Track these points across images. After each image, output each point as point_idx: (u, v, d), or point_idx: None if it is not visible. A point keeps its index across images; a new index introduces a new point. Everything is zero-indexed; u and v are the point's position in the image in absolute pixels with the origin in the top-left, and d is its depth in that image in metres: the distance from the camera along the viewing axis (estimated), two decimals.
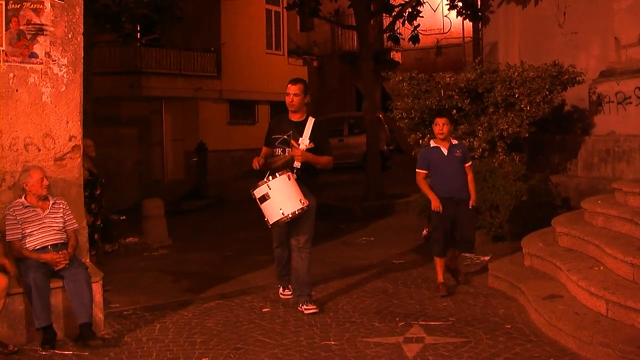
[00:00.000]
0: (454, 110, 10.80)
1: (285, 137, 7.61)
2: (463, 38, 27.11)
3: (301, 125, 7.66)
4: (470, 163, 8.39)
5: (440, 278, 8.23)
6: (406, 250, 10.87)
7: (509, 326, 6.82)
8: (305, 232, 7.68)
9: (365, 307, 7.72)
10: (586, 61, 12.24)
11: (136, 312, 7.75)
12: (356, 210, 15.26)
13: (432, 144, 8.31)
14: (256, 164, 7.57)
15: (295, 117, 7.75)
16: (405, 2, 17.53)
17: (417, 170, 8.27)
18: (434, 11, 24.98)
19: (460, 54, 25.04)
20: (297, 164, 7.44)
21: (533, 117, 10.59)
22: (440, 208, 8.00)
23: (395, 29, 18.68)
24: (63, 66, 7.15)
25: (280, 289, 8.30)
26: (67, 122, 7.23)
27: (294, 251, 7.73)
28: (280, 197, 7.16)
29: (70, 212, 7.04)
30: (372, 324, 7.00)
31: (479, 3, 16.71)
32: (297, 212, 7.18)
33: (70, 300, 6.65)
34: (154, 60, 25.06)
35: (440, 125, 8.08)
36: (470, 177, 8.28)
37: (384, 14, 19.77)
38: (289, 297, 8.10)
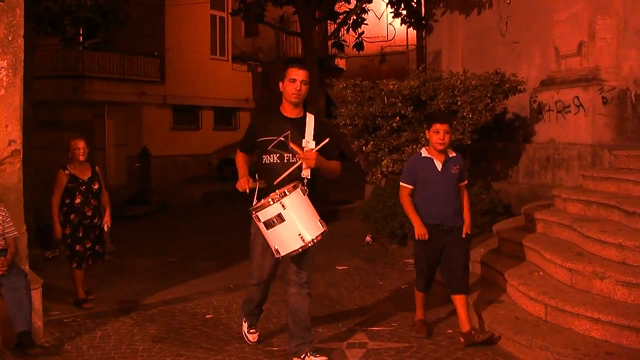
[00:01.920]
0: (397, 117, 10.89)
1: (282, 139, 5.86)
2: (407, 46, 27.31)
3: (300, 123, 5.97)
4: (466, 182, 6.88)
5: (419, 314, 6.99)
6: (350, 256, 10.91)
7: (451, 331, 6.90)
8: (309, 264, 6.12)
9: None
10: (528, 70, 12.46)
11: (77, 320, 7.63)
12: None
13: (424, 153, 6.64)
14: (244, 185, 5.82)
15: (293, 113, 6.00)
16: (350, 9, 17.64)
17: (401, 184, 6.74)
18: (379, 19, 25.16)
19: (404, 62, 25.23)
20: (306, 173, 5.81)
21: (475, 124, 10.72)
22: (426, 236, 6.52)
23: (340, 36, 18.79)
24: (2, 69, 7.01)
25: (245, 326, 6.70)
26: (6, 126, 7.08)
27: (291, 287, 6.05)
28: (298, 219, 5.49)
29: (9, 218, 6.87)
30: (315, 330, 6.98)
31: (423, 12, 16.88)
32: (318, 239, 5.62)
33: (9, 308, 6.47)
34: (97, 64, 24.81)
35: (442, 134, 6.46)
36: (465, 198, 6.77)
37: (329, 21, 19.86)
38: (255, 339, 6.69)
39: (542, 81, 11.92)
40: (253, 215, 5.64)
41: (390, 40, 28.77)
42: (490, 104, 10.75)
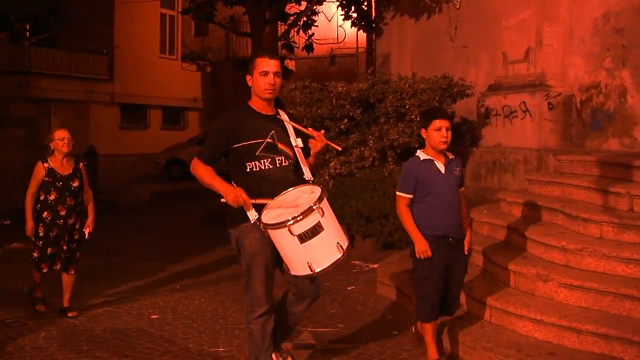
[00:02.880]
0: (345, 120, 10.94)
1: (269, 140, 5.10)
2: (357, 48, 27.40)
3: (277, 121, 5.25)
4: (464, 188, 6.18)
5: (433, 354, 6.00)
6: None
7: (397, 332, 6.94)
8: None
9: None
10: (476, 75, 12.60)
11: (19, 321, 7.48)
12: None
13: (423, 155, 5.87)
14: (240, 199, 4.88)
15: (267, 110, 5.23)
16: (300, 11, 17.65)
17: (397, 193, 5.92)
18: (329, 21, 25.18)
19: (354, 64, 25.37)
20: (307, 174, 5.18)
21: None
22: (429, 253, 5.73)
23: (290, 37, 18.79)
24: None
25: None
26: None
27: (305, 300, 5.42)
28: (335, 225, 4.75)
29: None
30: None
31: (374, 15, 16.96)
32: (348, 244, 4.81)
33: None
34: (44, 61, 24.50)
35: (444, 131, 5.74)
36: (464, 205, 6.10)
37: (279, 22, 19.85)
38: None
39: (490, 86, 12.07)
40: (288, 230, 4.55)
41: (340, 42, 28.84)
42: None
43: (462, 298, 7.03)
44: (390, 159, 11.07)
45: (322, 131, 5.18)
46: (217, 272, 9.90)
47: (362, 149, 10.90)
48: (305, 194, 4.77)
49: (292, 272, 4.78)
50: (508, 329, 6.22)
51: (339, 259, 4.64)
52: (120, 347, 6.56)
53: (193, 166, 5.21)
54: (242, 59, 30.98)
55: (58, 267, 7.78)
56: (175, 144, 26.92)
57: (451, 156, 5.98)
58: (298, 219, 4.51)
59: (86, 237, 7.92)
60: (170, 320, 7.51)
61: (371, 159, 11.01)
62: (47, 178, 7.65)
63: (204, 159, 5.18)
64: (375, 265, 9.58)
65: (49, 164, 7.71)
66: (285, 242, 4.65)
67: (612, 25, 10.33)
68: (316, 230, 4.56)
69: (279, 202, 4.82)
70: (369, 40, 19.13)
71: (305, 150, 5.25)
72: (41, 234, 7.66)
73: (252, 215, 4.90)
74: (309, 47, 18.66)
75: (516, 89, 11.32)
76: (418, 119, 10.67)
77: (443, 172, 5.83)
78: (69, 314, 7.61)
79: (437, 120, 5.78)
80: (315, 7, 18.02)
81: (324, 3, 17.64)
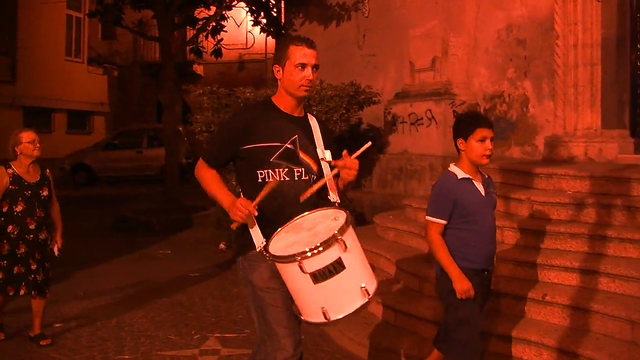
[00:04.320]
0: None
1: (288, 145, 4.13)
2: (266, 54, 27.41)
3: (305, 125, 4.30)
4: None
5: None
6: (203, 263, 10.81)
7: (303, 337, 6.92)
8: None
9: (161, 320, 7.61)
10: (383, 82, 12.75)
11: None
12: (154, 224, 15.02)
13: (460, 172, 4.82)
14: (249, 208, 3.86)
15: (295, 111, 4.26)
16: (209, 16, 17.55)
17: (429, 219, 4.87)
18: (238, 26, 25.12)
19: (263, 70, 25.33)
20: (334, 196, 4.18)
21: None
22: (473, 292, 4.73)
23: (199, 42, 18.66)
24: None
25: None
26: None
27: None
28: (361, 263, 3.75)
29: None
30: (168, 337, 6.93)
31: (283, 21, 17.00)
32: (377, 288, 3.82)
33: None
34: None
35: (488, 142, 4.75)
36: None
37: (188, 27, 19.69)
38: None
39: (397, 93, 12.23)
40: (285, 264, 3.66)
41: (249, 48, 28.83)
42: (346, 115, 10.94)
43: (373, 305, 7.12)
44: None
45: (354, 160, 4.03)
46: (124, 278, 9.72)
47: None
48: (326, 220, 3.82)
49: (303, 317, 3.83)
50: (410, 331, 6.44)
51: (363, 306, 3.66)
52: (23, 358, 6.41)
53: (196, 168, 4.31)
54: (150, 63, 30.65)
55: (24, 291, 6.71)
56: (81, 148, 26.40)
57: (485, 175, 5.04)
58: (313, 252, 3.53)
59: (56, 254, 6.93)
60: (73, 328, 7.34)
61: None
62: (12, 186, 6.66)
63: (206, 160, 4.27)
64: None
65: (13, 169, 6.74)
66: (295, 280, 3.69)
67: (514, 36, 10.60)
68: (335, 268, 3.56)
69: (294, 227, 3.90)
70: None
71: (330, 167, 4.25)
72: (5, 252, 6.63)
73: (258, 240, 3.98)
74: (217, 52, 18.55)
75: (422, 97, 11.50)
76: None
77: (483, 193, 4.85)
78: (42, 342, 6.75)
79: (483, 130, 4.76)
80: (224, 12, 17.93)
81: (233, 8, 17.56)
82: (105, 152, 25.12)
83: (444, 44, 11.43)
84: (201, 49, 18.74)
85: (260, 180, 4.07)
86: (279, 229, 3.88)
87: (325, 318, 3.64)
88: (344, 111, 10.86)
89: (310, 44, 4.18)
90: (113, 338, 6.89)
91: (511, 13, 10.67)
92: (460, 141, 4.84)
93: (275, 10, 17.57)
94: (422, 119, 11.35)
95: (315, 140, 4.25)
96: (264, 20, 17.67)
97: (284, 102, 4.22)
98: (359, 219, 11.19)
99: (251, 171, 4.13)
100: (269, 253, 3.74)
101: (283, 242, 3.77)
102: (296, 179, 4.10)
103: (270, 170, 4.07)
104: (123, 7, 17.67)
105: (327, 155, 4.23)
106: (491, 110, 10.97)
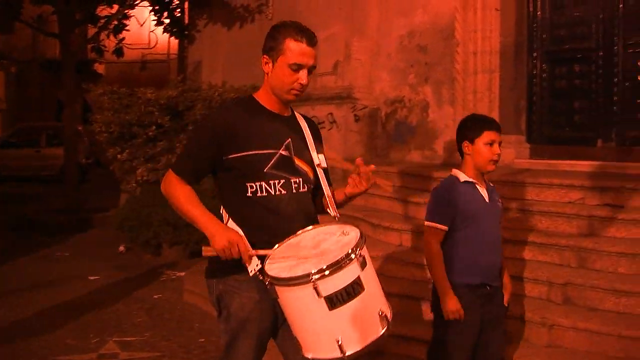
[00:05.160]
0: (153, 127, 10.83)
1: (283, 152, 3.53)
2: (168, 54, 27.19)
3: (295, 125, 3.73)
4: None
5: None
6: (103, 265, 10.63)
7: (203, 340, 6.94)
8: None
9: (58, 324, 7.45)
10: None
11: None
12: (53, 224, 14.69)
13: (463, 176, 4.48)
14: (236, 248, 3.28)
15: (284, 110, 3.68)
16: (111, 14, 17.28)
17: (428, 224, 4.48)
18: (141, 25, 24.86)
19: (166, 70, 25.13)
20: (332, 210, 3.65)
21: None
22: (462, 313, 4.28)
23: (100, 40, 18.36)
24: None
25: None
26: None
27: None
28: (377, 285, 3.22)
29: None
30: (65, 342, 6.82)
31: (187, 21, 16.87)
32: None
33: None
34: None
35: (497, 147, 4.42)
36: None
37: (89, 25, 19.35)
38: None
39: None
40: (294, 288, 3.05)
41: (152, 48, 28.55)
42: None
43: None
44: None
45: (372, 166, 3.58)
46: (19, 280, 9.55)
47: (170, 156, 10.80)
48: (332, 237, 3.26)
49: (310, 354, 3.14)
50: None
51: (381, 337, 3.10)
52: None
53: (165, 183, 3.56)
54: (50, 60, 29.97)
55: None
56: None
57: (491, 184, 4.67)
58: (331, 270, 2.96)
59: None
60: None
61: None
62: None
63: (182, 174, 3.51)
64: (182, 273, 9.53)
65: None
66: (305, 307, 3.06)
67: (416, 42, 10.76)
68: (355, 290, 3.01)
69: (291, 247, 3.30)
70: (181, 46, 19.01)
71: (326, 174, 3.78)
72: None
73: (252, 264, 3.32)
74: (119, 52, 18.28)
75: (324, 101, 11.57)
76: None
77: (487, 200, 4.47)
78: None
79: (491, 132, 4.40)
80: (127, 11, 17.70)
81: (136, 7, 17.33)
82: (1, 150, 24.42)
83: (346, 48, 11.54)
84: (102, 47, 18.44)
85: (250, 194, 3.45)
86: (272, 250, 3.30)
87: (341, 352, 3.03)
88: None
89: (311, 39, 3.54)
90: (6, 342, 6.74)
91: (413, 20, 10.84)
92: (465, 144, 4.46)
93: (178, 10, 17.41)
94: (323, 122, 11.42)
95: (308, 143, 3.69)
96: (167, 21, 17.48)
97: (269, 100, 3.61)
98: None
99: (238, 184, 3.47)
100: (270, 276, 3.10)
101: (284, 263, 3.16)
102: (294, 191, 3.52)
103: (263, 183, 3.45)
104: (21, 1, 17.25)
105: (322, 160, 3.72)
106: (392, 114, 11.13)
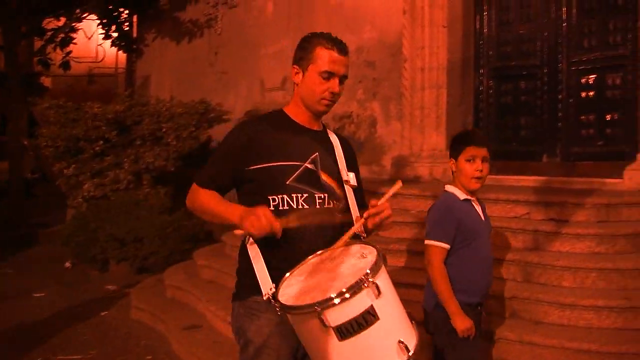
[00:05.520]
0: (101, 141, 10.74)
1: (308, 165, 3.40)
2: (116, 68, 26.96)
3: (325, 140, 3.60)
4: None
5: None
6: (48, 282, 10.47)
7: (151, 357, 6.89)
8: None
9: (0, 343, 7.36)
10: (234, 100, 12.78)
11: None
12: None
13: (460, 194, 4.41)
14: (264, 220, 3.04)
15: (314, 124, 3.56)
16: (58, 27, 17.11)
17: (430, 243, 4.34)
18: (89, 39, 24.59)
19: (114, 84, 24.89)
20: (358, 227, 3.34)
21: (180, 151, 10.82)
22: (474, 330, 4.25)
23: (47, 53, 18.15)
24: None
25: None
26: None
27: None
28: (397, 313, 3.01)
29: None
30: None
31: (135, 35, 16.78)
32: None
33: None
34: None
35: (479, 162, 4.33)
36: None
37: (36, 37, 19.14)
38: None
39: (247, 112, 12.26)
40: (301, 316, 2.89)
41: (99, 61, 28.24)
42: (195, 132, 10.92)
43: (213, 320, 7.17)
44: (145, 182, 10.98)
45: (399, 182, 3.40)
46: None
47: (118, 171, 10.73)
48: (352, 259, 3.05)
49: None
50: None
51: None
52: None
53: (189, 198, 3.49)
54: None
55: None
56: None
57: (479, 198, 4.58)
58: (338, 300, 2.76)
59: None
60: None
61: (126, 181, 10.85)
62: None
63: (203, 185, 3.44)
64: (129, 290, 9.44)
65: None
66: (314, 336, 2.90)
67: (364, 58, 10.84)
68: (367, 320, 2.80)
69: (310, 269, 3.13)
70: (130, 60, 18.90)
71: (358, 194, 3.62)
72: None
73: (266, 284, 3.18)
74: (65, 65, 18.08)
75: None
76: (175, 142, 10.68)
77: (482, 218, 4.46)
78: None
79: (471, 148, 4.32)
80: (74, 24, 17.53)
81: (83, 20, 17.17)
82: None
83: None
84: (49, 60, 18.24)
85: (271, 207, 3.25)
86: (290, 272, 3.11)
87: None
88: (193, 129, 10.85)
89: (342, 48, 3.48)
90: None
91: (362, 36, 10.92)
92: (452, 162, 4.43)
93: (127, 24, 17.31)
94: None
95: (338, 160, 3.54)
96: (115, 34, 17.38)
97: (299, 113, 3.51)
98: (208, 237, 11.17)
99: (260, 197, 3.31)
100: (279, 303, 2.93)
101: (296, 287, 3.00)
102: (317, 206, 3.34)
103: (285, 196, 3.31)
104: None
105: (352, 178, 3.55)
106: (340, 130, 11.17)
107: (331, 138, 3.63)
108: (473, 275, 4.31)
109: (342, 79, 3.42)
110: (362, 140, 10.85)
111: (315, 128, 3.54)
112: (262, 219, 3.02)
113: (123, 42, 17.33)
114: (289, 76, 11.27)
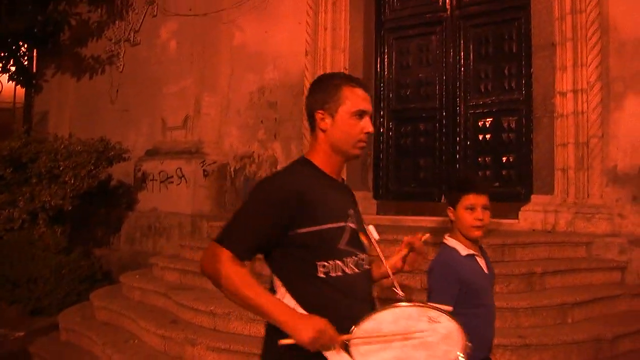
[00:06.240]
0: None
1: (351, 225, 3.05)
2: (14, 103, 26.31)
3: (349, 191, 3.31)
4: None
5: None
6: None
7: None
8: None
9: None
10: (135, 139, 12.62)
11: None
12: None
13: (463, 248, 4.08)
14: (326, 336, 2.71)
15: (339, 174, 3.24)
16: None
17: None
18: None
19: (11, 119, 24.26)
20: (399, 292, 3.20)
21: (77, 190, 10.59)
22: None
23: None
24: None
25: None
26: None
27: None
28: None
29: None
30: None
31: (35, 69, 16.44)
32: None
33: None
34: None
35: (479, 211, 4.05)
36: None
37: None
38: None
39: (148, 151, 12.14)
40: None
41: None
42: (94, 171, 10.71)
43: None
44: (41, 222, 10.69)
45: (428, 235, 3.39)
46: None
47: (12, 210, 10.42)
48: (419, 322, 2.81)
49: None
50: None
51: None
52: None
53: (211, 260, 2.87)
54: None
55: None
56: None
57: (482, 246, 4.29)
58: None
59: None
60: None
61: (21, 220, 10.55)
62: None
63: (237, 251, 2.84)
64: (20, 334, 9.13)
65: None
66: None
67: (267, 99, 10.91)
68: None
69: (371, 333, 2.78)
70: (28, 95, 18.51)
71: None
72: None
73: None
74: None
75: (173, 155, 11.49)
76: (72, 181, 10.46)
77: (486, 270, 4.14)
78: None
79: (471, 195, 4.06)
80: None
81: None
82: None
83: (197, 103, 11.54)
84: None
85: (322, 274, 2.90)
86: (356, 339, 2.76)
87: None
88: (92, 167, 10.65)
89: (364, 85, 3.20)
90: None
91: (264, 76, 10.99)
92: (450, 210, 4.12)
93: (26, 58, 16.96)
94: (172, 177, 11.34)
95: (359, 213, 3.22)
96: (13, 68, 17.00)
97: (329, 162, 3.13)
98: (106, 277, 10.93)
99: (307, 263, 2.92)
100: None
101: (385, 356, 2.72)
102: (362, 270, 3.06)
103: (338, 262, 2.94)
104: None
105: (374, 231, 3.25)
106: (241, 170, 11.18)
107: (348, 189, 3.30)
108: (480, 330, 3.86)
109: (370, 116, 3.13)
110: None
111: (339, 179, 3.21)
112: (326, 336, 2.69)
113: (22, 76, 16.96)
114: (191, 115, 11.30)
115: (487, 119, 9.36)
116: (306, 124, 9.72)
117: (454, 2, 9.86)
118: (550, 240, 7.47)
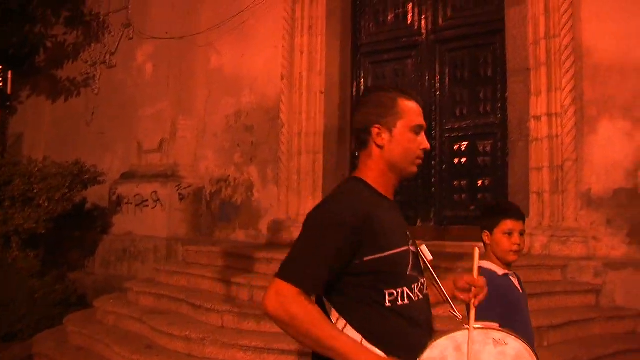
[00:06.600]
0: None
1: (412, 248, 2.86)
2: None
3: (399, 211, 3.01)
4: None
5: None
6: None
7: None
8: None
9: None
10: (111, 162, 12.58)
11: None
12: None
13: (498, 269, 4.10)
14: None
15: (392, 196, 2.96)
16: None
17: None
18: None
19: None
20: (458, 313, 2.93)
21: (51, 213, 10.50)
22: None
23: None
24: None
25: None
26: None
27: None
28: None
29: None
30: None
31: (9, 91, 16.34)
32: None
33: None
34: None
35: (517, 235, 4.09)
36: None
37: None
38: None
39: (123, 174, 12.08)
40: None
41: None
42: (68, 194, 10.64)
43: None
44: (14, 245, 10.59)
45: (475, 249, 3.09)
46: None
47: None
48: (486, 347, 2.66)
49: None
50: None
51: None
52: None
53: (280, 301, 2.53)
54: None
55: None
56: None
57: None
58: None
59: None
60: None
61: None
62: None
63: (304, 286, 2.56)
64: None
65: None
66: None
67: (243, 122, 10.91)
68: None
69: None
70: (2, 117, 18.37)
71: None
72: None
73: None
74: None
75: (149, 179, 11.45)
76: (47, 204, 10.38)
77: (520, 290, 4.15)
78: None
79: (509, 221, 4.10)
80: None
81: None
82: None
83: (173, 126, 11.52)
84: None
85: (388, 303, 2.68)
86: None
87: None
88: (67, 190, 10.57)
89: (418, 98, 2.96)
90: None
91: (241, 100, 11.00)
92: (485, 234, 4.16)
93: (1, 80, 16.87)
94: (147, 200, 11.29)
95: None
96: None
97: (383, 181, 2.88)
98: (80, 301, 10.82)
99: (373, 292, 2.69)
100: None
101: None
102: (423, 295, 2.87)
103: (405, 289, 2.73)
104: None
105: (426, 251, 2.99)
106: (217, 193, 11.15)
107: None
108: None
109: (425, 132, 2.92)
110: (238, 204, 10.86)
111: (392, 198, 2.95)
112: None
113: None
114: (167, 138, 11.27)
115: (463, 143, 9.41)
116: (282, 147, 9.83)
117: (430, 27, 9.93)
118: (526, 263, 7.46)
